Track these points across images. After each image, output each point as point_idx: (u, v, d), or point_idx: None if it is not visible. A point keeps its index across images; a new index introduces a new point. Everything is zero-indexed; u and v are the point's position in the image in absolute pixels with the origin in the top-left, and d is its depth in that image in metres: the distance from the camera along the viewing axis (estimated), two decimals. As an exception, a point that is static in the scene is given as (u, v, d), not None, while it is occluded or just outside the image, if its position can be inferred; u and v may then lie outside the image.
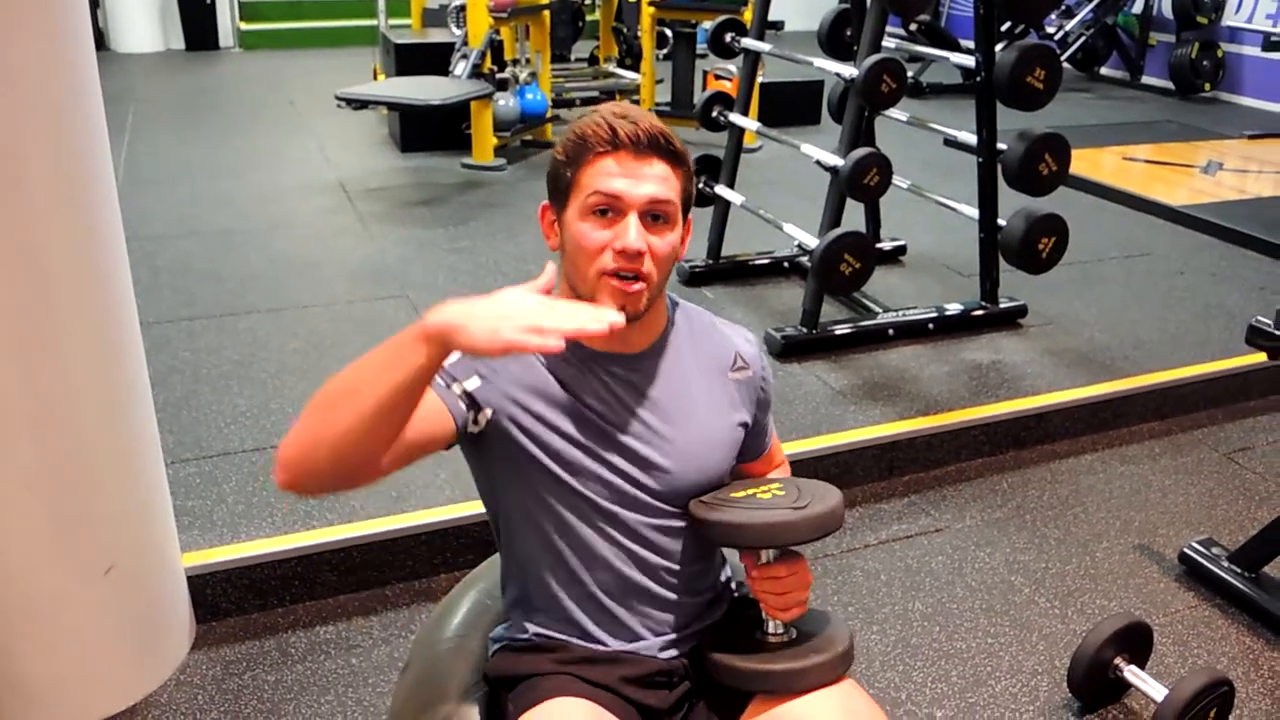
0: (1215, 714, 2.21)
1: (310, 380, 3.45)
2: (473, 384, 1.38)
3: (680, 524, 1.50)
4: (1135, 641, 2.35)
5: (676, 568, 1.50)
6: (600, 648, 1.48)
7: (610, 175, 1.35)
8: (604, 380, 1.45)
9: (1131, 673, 2.31)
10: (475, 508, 2.75)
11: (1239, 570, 2.72)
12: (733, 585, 1.65)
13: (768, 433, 1.67)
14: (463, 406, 1.37)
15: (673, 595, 1.51)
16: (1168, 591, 2.78)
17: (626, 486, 1.45)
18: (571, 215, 1.39)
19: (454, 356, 1.31)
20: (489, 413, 1.40)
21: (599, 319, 1.17)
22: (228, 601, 2.57)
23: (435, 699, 1.55)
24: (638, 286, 1.37)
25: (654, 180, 1.36)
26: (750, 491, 1.47)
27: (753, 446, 1.63)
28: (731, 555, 1.68)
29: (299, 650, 2.49)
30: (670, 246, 1.39)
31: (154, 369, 2.34)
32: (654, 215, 1.37)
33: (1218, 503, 3.19)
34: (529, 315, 1.15)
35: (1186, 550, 2.84)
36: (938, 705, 2.37)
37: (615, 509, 1.45)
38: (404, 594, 2.68)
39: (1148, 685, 2.28)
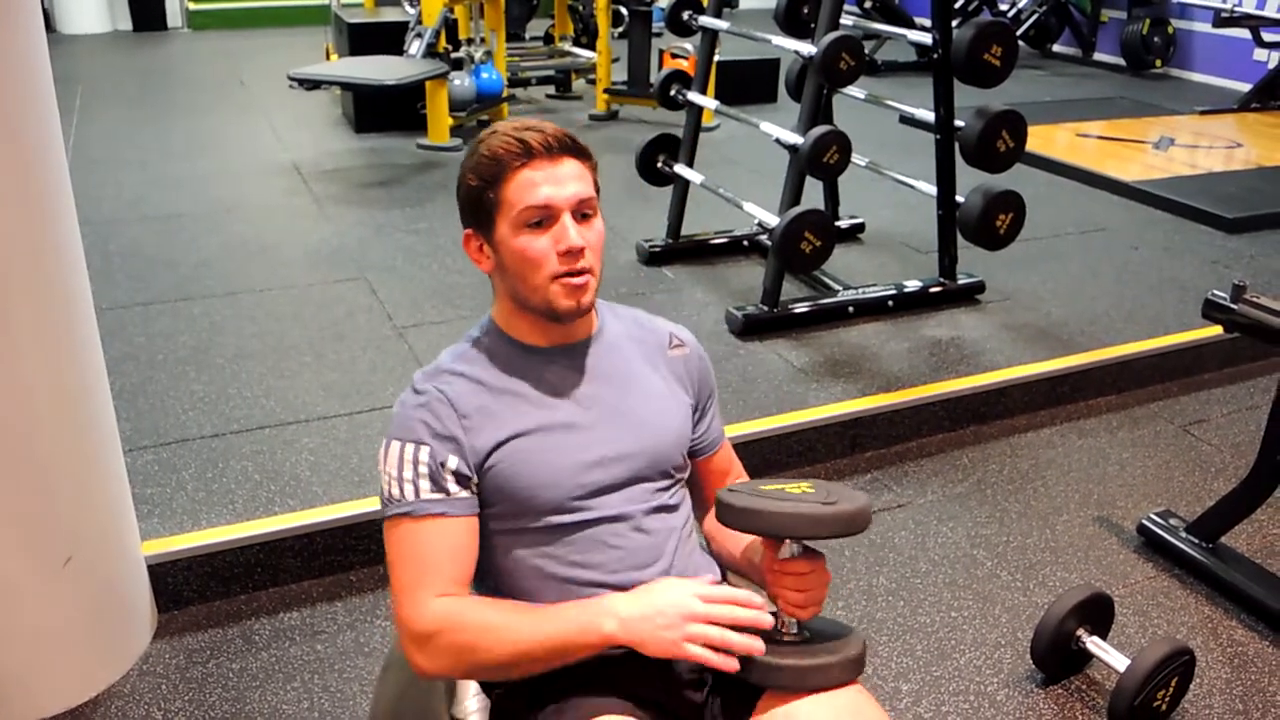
0: (1177, 683, 2.24)
1: (268, 364, 3.41)
2: (454, 463, 1.43)
3: (668, 501, 1.53)
4: (1097, 613, 2.39)
5: (669, 562, 1.51)
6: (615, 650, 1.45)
7: (535, 186, 1.41)
8: (560, 373, 1.51)
9: (1094, 643, 2.34)
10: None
11: (1197, 541, 2.76)
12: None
13: (717, 422, 1.69)
14: (465, 495, 1.44)
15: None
16: (1127, 563, 2.82)
17: (603, 472, 1.47)
18: (505, 233, 1.44)
19: (422, 454, 1.45)
20: (475, 478, 1.45)
21: (756, 621, 1.35)
22: (189, 590, 2.54)
23: (427, 706, 1.53)
24: (582, 280, 1.44)
25: (573, 180, 1.43)
26: (780, 486, 1.47)
27: (705, 438, 1.66)
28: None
29: (263, 637, 2.46)
30: (600, 235, 1.47)
31: (108, 355, 2.29)
32: (582, 213, 1.44)
33: (1174, 475, 3.24)
34: (696, 624, 1.31)
35: (1145, 522, 2.88)
36: (903, 679, 2.39)
37: (601, 498, 1.47)
38: (368, 579, 2.65)
39: (1110, 656, 2.31)
